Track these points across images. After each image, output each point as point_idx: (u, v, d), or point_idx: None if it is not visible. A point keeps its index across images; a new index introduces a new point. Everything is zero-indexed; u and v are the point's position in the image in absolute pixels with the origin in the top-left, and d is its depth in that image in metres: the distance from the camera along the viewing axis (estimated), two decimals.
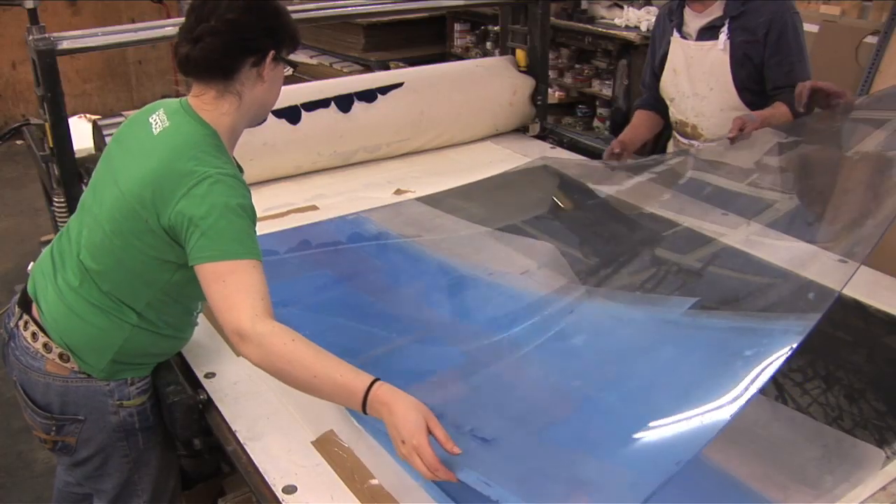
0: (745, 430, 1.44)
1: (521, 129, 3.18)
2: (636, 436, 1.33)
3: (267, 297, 1.33)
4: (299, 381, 1.30)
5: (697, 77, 2.39)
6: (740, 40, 2.29)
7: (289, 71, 1.55)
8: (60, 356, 1.50)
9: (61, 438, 1.57)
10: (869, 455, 1.38)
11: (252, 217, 1.40)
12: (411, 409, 1.23)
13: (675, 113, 2.54)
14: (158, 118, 1.47)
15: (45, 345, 1.51)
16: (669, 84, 2.49)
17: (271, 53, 1.45)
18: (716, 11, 2.34)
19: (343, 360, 1.29)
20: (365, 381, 1.26)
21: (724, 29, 2.30)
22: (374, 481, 1.32)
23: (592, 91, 4.52)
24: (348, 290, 1.94)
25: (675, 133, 2.63)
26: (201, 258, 1.34)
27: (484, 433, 1.37)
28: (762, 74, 2.30)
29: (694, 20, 2.40)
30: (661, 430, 1.33)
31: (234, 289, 1.31)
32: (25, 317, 1.55)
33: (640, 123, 2.69)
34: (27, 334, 1.53)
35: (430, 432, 1.22)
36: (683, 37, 2.42)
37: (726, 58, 2.31)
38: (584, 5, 4.40)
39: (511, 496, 1.21)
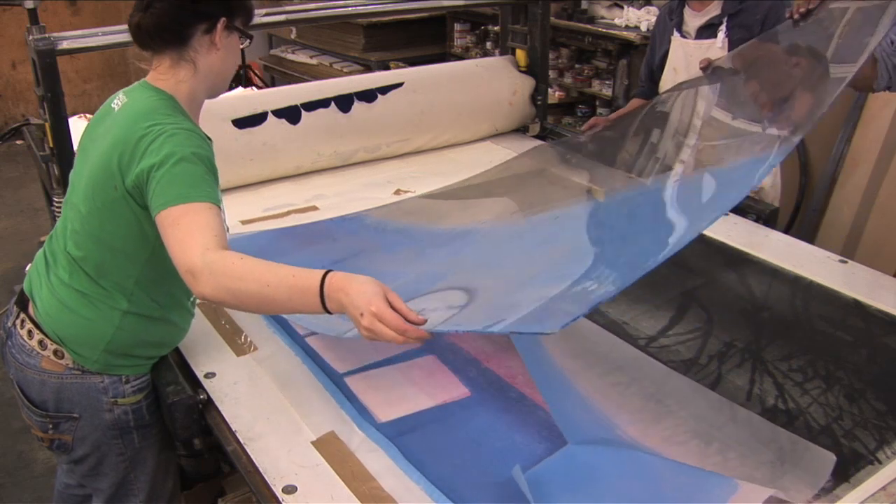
0: (701, 433, 1.44)
1: (521, 129, 3.18)
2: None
3: (222, 235, 1.30)
4: (255, 296, 1.25)
5: (697, 75, 2.40)
6: (738, 38, 2.30)
7: (245, 43, 1.57)
8: (55, 353, 1.51)
9: (58, 436, 1.57)
10: (821, 459, 1.37)
11: (209, 166, 1.38)
12: (366, 283, 1.21)
13: None
14: (119, 100, 1.50)
15: (40, 342, 1.52)
16: (670, 83, 2.50)
17: (223, 21, 1.47)
18: (714, 10, 2.35)
19: (294, 266, 1.26)
20: (317, 275, 1.23)
21: (723, 27, 2.31)
22: (374, 482, 1.32)
23: (592, 91, 4.52)
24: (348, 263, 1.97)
25: None
26: (158, 207, 1.32)
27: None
28: None
29: (693, 19, 2.41)
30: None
31: (187, 230, 1.29)
32: (22, 315, 1.56)
33: (631, 108, 2.71)
34: (23, 332, 1.54)
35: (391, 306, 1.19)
36: (683, 35, 2.43)
37: (725, 55, 2.32)
38: (584, 5, 4.39)
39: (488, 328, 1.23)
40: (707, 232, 2.27)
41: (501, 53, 3.29)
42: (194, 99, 1.53)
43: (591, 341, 1.73)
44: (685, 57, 2.41)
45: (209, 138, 1.49)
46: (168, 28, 1.45)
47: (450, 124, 2.93)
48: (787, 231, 3.06)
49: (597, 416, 1.49)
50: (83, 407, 1.54)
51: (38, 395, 1.55)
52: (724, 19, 2.31)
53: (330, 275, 1.23)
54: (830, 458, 1.36)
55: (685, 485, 1.28)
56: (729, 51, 2.31)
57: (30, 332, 1.53)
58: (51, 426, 1.56)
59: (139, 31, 1.46)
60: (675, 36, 2.44)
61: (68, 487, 1.81)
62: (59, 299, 1.50)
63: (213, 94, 1.59)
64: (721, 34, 2.31)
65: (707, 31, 2.37)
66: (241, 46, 1.57)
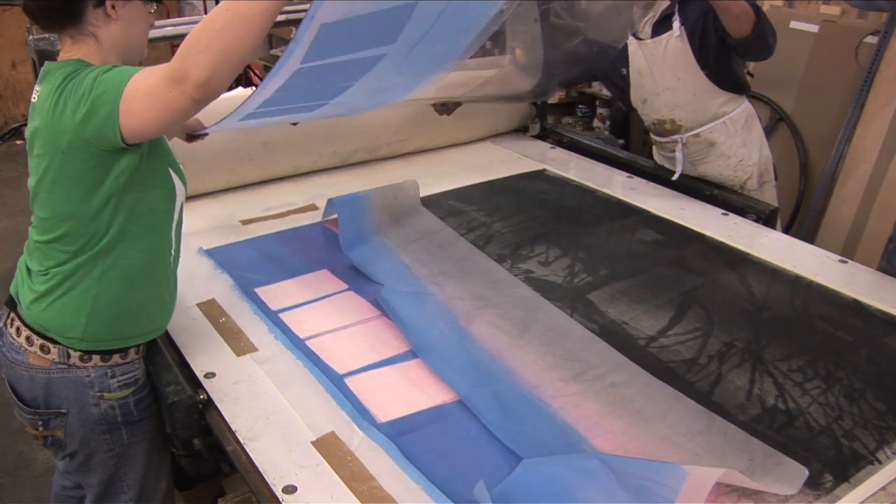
0: (675, 442, 1.44)
1: (521, 129, 3.18)
2: None
3: None
4: (231, 41, 1.26)
5: (663, 72, 2.40)
6: (693, 20, 2.30)
7: (152, 7, 1.54)
8: (41, 348, 1.53)
9: (50, 433, 1.60)
10: (792, 471, 1.36)
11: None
12: None
13: (650, 114, 2.54)
14: (35, 91, 1.48)
15: (27, 338, 1.54)
16: (638, 88, 2.50)
17: None
18: (663, 5, 2.36)
19: None
20: None
21: (676, 16, 2.31)
22: (374, 482, 1.32)
23: (592, 91, 4.52)
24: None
25: (654, 138, 2.64)
26: (114, 101, 1.33)
27: None
28: (723, 41, 2.28)
29: (646, 21, 2.42)
30: None
31: (143, 78, 1.33)
32: (12, 315, 1.58)
33: None
34: (12, 331, 1.57)
35: None
36: (639, 38, 2.43)
37: (685, 43, 2.32)
38: (584, 6, 4.40)
39: None
40: (707, 232, 2.28)
41: (501, 53, 3.29)
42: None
43: (577, 345, 1.73)
44: (646, 58, 2.42)
45: None
46: (55, 8, 1.43)
47: (450, 124, 2.93)
48: (786, 231, 3.06)
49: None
50: (71, 402, 1.55)
51: (28, 391, 1.57)
52: (675, 8, 2.32)
53: None
54: (802, 471, 1.35)
55: (640, 479, 1.28)
56: (688, 37, 2.31)
57: (18, 329, 1.55)
58: (41, 423, 1.58)
59: (31, 15, 1.46)
60: (631, 41, 2.44)
61: (65, 489, 1.82)
62: (37, 292, 1.52)
63: (132, 64, 1.51)
64: (676, 24, 2.31)
65: (662, 26, 2.37)
66: (151, 11, 1.54)
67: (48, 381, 1.54)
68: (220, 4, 1.27)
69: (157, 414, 1.66)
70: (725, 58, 2.33)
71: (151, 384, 1.64)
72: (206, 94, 1.29)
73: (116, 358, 1.57)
